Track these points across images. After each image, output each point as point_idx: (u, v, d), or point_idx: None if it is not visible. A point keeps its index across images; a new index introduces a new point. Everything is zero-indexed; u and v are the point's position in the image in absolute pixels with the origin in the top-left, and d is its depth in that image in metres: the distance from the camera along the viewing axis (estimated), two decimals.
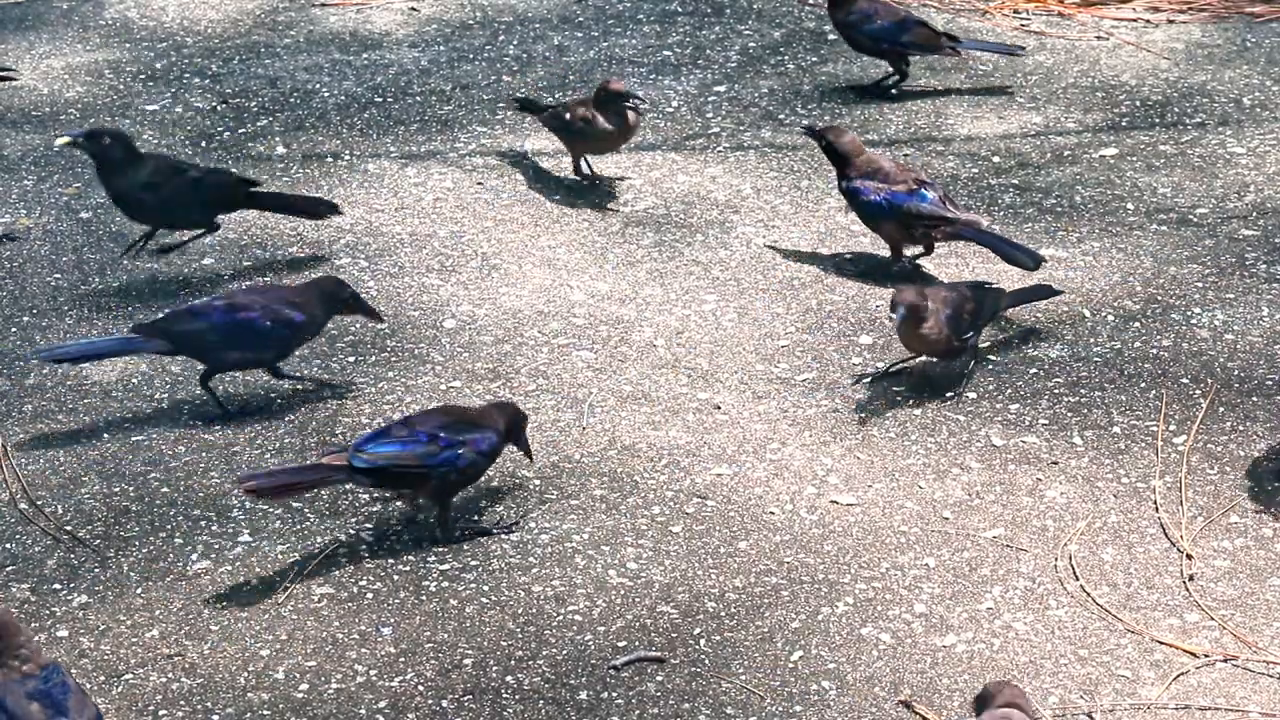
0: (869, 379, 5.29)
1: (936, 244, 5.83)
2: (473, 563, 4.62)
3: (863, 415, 5.18)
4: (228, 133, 6.86)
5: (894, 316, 5.08)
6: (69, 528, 4.77)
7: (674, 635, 4.37)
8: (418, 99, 7.11)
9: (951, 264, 5.92)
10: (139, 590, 4.55)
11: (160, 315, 5.28)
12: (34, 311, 5.73)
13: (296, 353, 5.29)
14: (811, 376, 5.36)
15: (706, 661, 4.30)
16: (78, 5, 7.97)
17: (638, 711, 4.15)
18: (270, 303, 5.14)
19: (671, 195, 6.36)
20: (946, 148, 6.60)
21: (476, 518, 4.78)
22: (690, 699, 4.19)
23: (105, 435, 5.14)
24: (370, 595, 4.51)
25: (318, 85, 7.23)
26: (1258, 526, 4.72)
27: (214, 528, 4.76)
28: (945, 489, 4.88)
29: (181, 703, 4.19)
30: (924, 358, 5.28)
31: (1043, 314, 5.61)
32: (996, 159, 6.55)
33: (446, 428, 4.63)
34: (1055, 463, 4.97)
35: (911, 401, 5.23)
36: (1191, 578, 4.54)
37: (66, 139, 5.71)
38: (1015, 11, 7.72)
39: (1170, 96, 6.99)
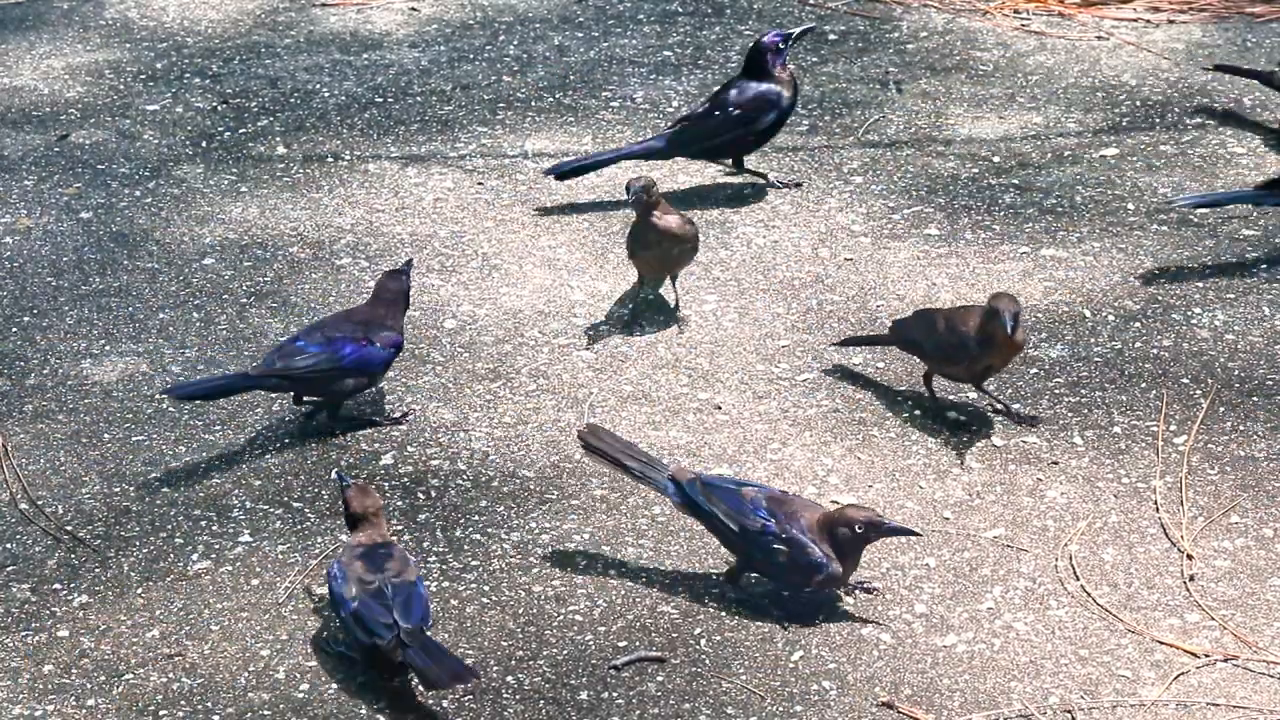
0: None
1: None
2: (473, 563, 4.62)
3: (863, 415, 5.18)
4: (228, 133, 6.86)
5: (1006, 324, 4.89)
6: (69, 528, 4.77)
7: (674, 635, 4.37)
8: (418, 99, 7.11)
9: (952, 263, 5.92)
10: (139, 590, 4.55)
11: (273, 352, 5.08)
12: (34, 311, 5.73)
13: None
14: (811, 376, 5.36)
15: (707, 661, 4.30)
16: (78, 5, 7.97)
17: (638, 711, 4.15)
18: (374, 328, 5.10)
19: (672, 195, 6.35)
20: (947, 148, 6.60)
21: (479, 518, 4.78)
22: (691, 699, 4.19)
23: (105, 435, 5.14)
24: None
25: (318, 85, 7.23)
26: (1258, 526, 4.72)
27: (214, 528, 4.76)
28: (945, 489, 4.88)
29: (182, 703, 4.19)
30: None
31: (1043, 314, 5.61)
32: (997, 159, 6.54)
33: (771, 511, 4.43)
34: (1055, 463, 4.97)
35: (911, 401, 5.23)
36: (1192, 578, 4.54)
37: None
38: (1015, 11, 7.72)
39: (1170, 96, 6.99)
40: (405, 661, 4.13)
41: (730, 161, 6.38)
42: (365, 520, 4.41)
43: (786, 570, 4.41)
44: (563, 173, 6.28)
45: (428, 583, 4.53)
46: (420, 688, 4.20)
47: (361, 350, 5.07)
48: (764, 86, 6.24)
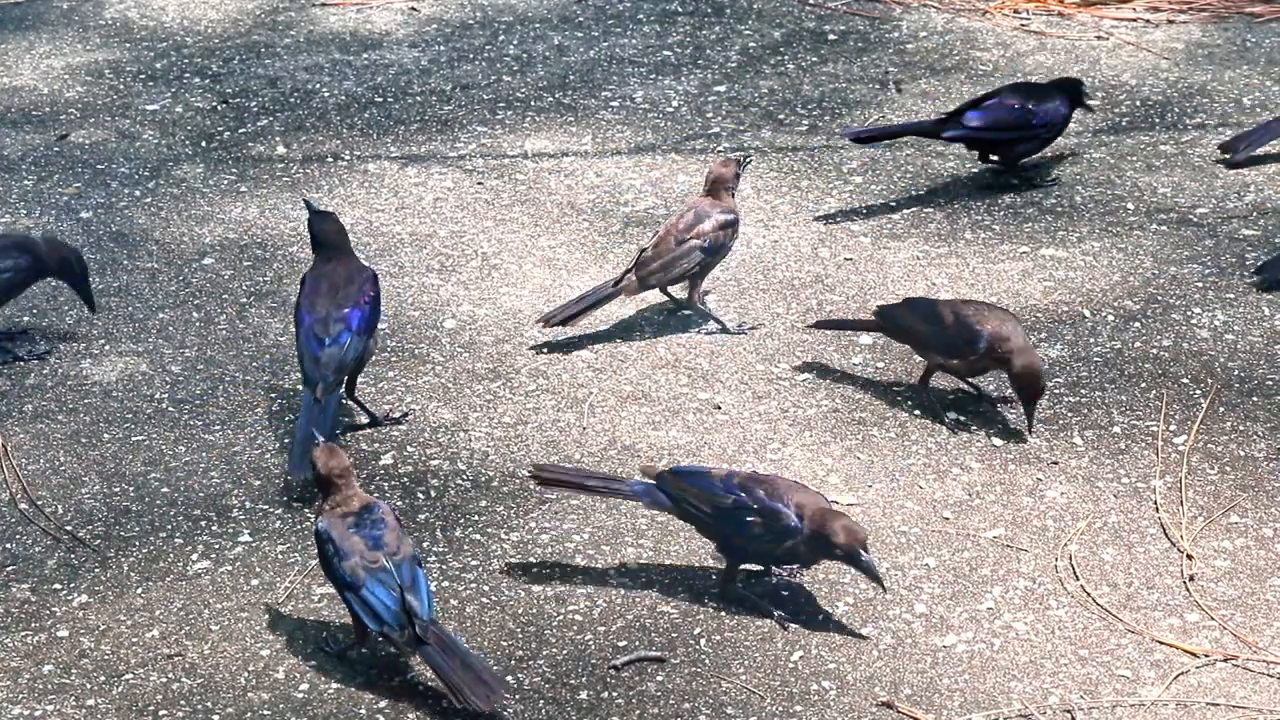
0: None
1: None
2: (473, 562, 4.62)
3: (863, 415, 5.18)
4: (228, 133, 6.86)
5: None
6: (69, 528, 4.78)
7: (674, 635, 4.37)
8: (418, 99, 7.11)
9: (952, 263, 5.92)
10: (139, 590, 4.55)
11: (311, 365, 4.94)
12: (34, 311, 5.72)
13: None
14: (811, 377, 5.36)
15: (707, 661, 4.30)
16: (78, 5, 7.97)
17: (638, 711, 4.15)
18: (355, 281, 5.07)
19: (672, 195, 6.36)
20: (947, 148, 6.60)
21: (479, 518, 4.78)
22: (690, 699, 4.19)
23: (105, 435, 5.14)
24: None
25: (318, 85, 7.23)
26: (1258, 526, 4.72)
27: (214, 528, 4.76)
28: (945, 489, 4.88)
29: (181, 703, 4.19)
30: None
31: (1043, 314, 5.61)
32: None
33: (757, 491, 4.40)
34: (1055, 463, 4.96)
35: (911, 401, 5.23)
36: (1192, 578, 4.54)
37: None
38: (1015, 11, 7.72)
39: (1170, 96, 6.99)
40: (425, 661, 4.13)
41: (998, 159, 6.41)
42: (332, 483, 4.29)
43: (760, 540, 4.39)
44: (860, 137, 6.43)
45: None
46: (433, 682, 4.20)
47: (366, 312, 5.05)
48: (1066, 109, 6.38)
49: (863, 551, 4.31)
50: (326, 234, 5.21)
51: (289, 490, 4.90)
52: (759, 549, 4.42)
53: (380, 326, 5.34)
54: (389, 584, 4.15)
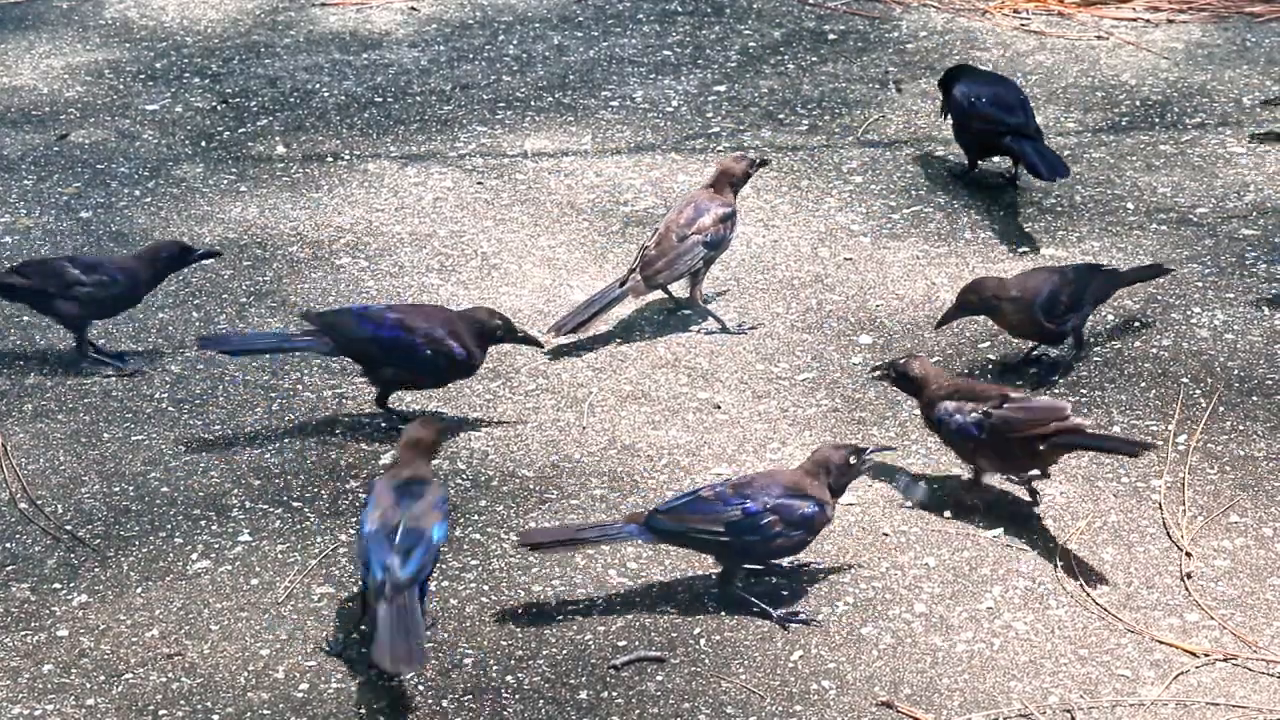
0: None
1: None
2: (473, 562, 4.62)
3: (863, 415, 5.18)
4: (228, 132, 6.86)
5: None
6: (69, 527, 4.78)
7: (674, 635, 4.38)
8: (418, 99, 7.11)
9: (952, 263, 5.91)
10: (139, 590, 4.55)
11: (329, 310, 5.23)
12: (34, 311, 5.72)
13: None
14: (811, 376, 5.36)
15: (707, 661, 4.30)
16: (78, 5, 7.97)
17: (638, 711, 4.16)
18: (433, 328, 5.05)
19: (672, 195, 6.36)
20: (947, 148, 6.60)
21: (479, 518, 4.78)
22: (690, 698, 4.19)
23: (105, 435, 5.14)
24: None
25: (318, 85, 7.23)
26: (1258, 526, 4.72)
27: (214, 528, 4.76)
28: (945, 489, 4.88)
29: (181, 703, 4.20)
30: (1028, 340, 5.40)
31: None
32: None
33: (756, 493, 4.40)
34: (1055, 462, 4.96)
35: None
36: (1189, 575, 4.54)
37: None
38: (1015, 11, 7.72)
39: (1170, 96, 6.99)
40: (374, 616, 4.12)
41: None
42: (405, 450, 4.47)
43: (784, 536, 4.40)
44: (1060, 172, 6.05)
45: (428, 583, 4.53)
46: (433, 682, 4.20)
47: (398, 336, 5.06)
48: None
49: (863, 454, 4.55)
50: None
51: (289, 490, 4.90)
52: (784, 545, 4.43)
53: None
54: (389, 540, 4.18)
